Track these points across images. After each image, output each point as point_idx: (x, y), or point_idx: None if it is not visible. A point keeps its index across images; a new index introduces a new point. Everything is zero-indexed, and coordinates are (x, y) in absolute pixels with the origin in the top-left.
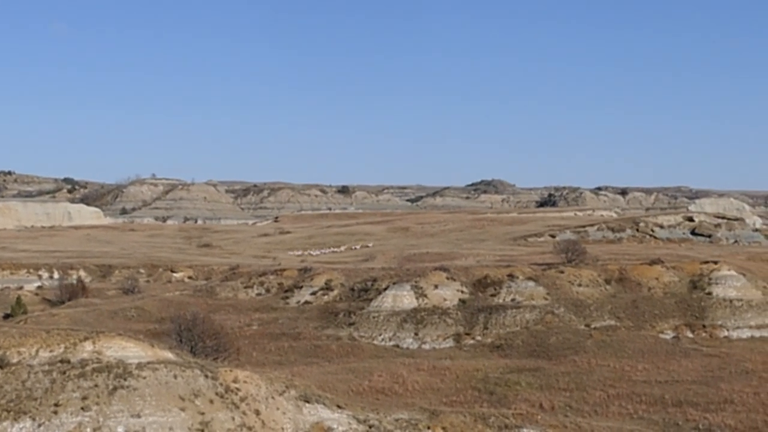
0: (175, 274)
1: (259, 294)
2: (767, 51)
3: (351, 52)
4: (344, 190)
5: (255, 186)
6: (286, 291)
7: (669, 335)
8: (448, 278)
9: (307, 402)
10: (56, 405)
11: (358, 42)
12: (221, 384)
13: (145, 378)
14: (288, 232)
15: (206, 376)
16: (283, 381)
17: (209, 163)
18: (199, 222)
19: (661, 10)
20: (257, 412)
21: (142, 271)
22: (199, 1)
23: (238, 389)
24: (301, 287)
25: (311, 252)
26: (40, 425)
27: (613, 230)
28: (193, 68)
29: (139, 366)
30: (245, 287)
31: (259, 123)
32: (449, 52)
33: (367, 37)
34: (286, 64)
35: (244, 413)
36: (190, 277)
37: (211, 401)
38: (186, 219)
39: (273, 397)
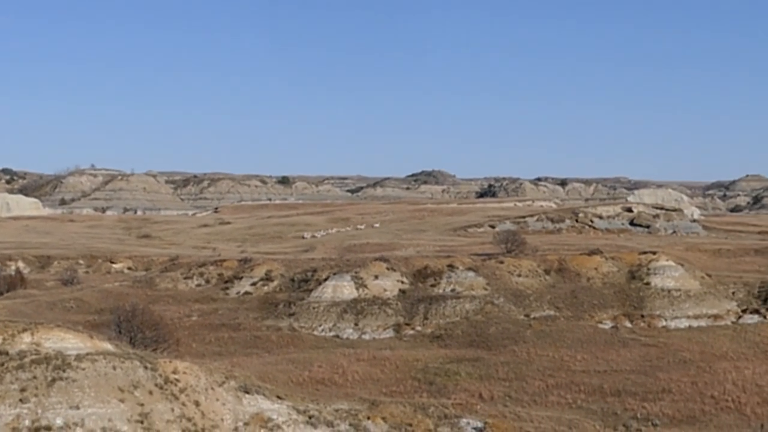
0: (114, 265)
1: (198, 285)
2: (704, 43)
3: (292, 41)
4: (284, 181)
5: (195, 176)
6: (226, 282)
7: (608, 325)
8: (388, 269)
9: (247, 393)
10: None
11: (298, 31)
12: (160, 375)
13: (84, 369)
14: (228, 223)
15: (145, 368)
16: (222, 372)
17: (149, 154)
18: (139, 213)
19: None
20: (197, 403)
21: (81, 262)
22: None
23: (177, 380)
24: (241, 278)
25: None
26: None
27: (552, 221)
28: (131, 58)
29: (78, 357)
30: (185, 278)
31: (198, 113)
32: (389, 44)
33: (307, 27)
34: (224, 53)
35: (183, 404)
36: (129, 268)
37: (151, 392)
38: (125, 210)
39: (212, 388)
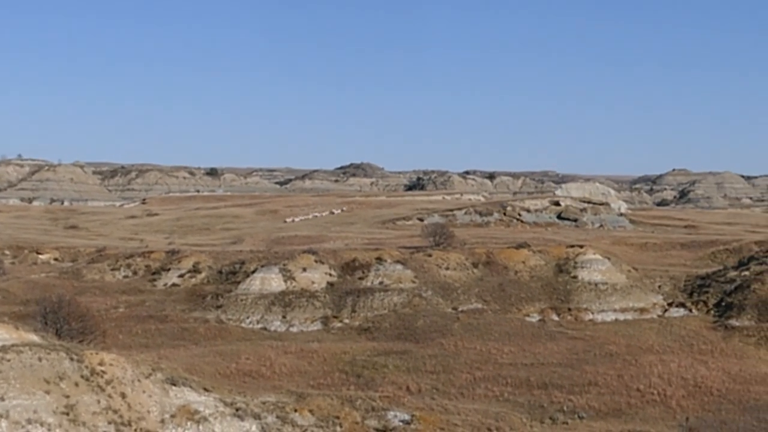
0: (40, 256)
1: (126, 276)
2: (632, 40)
3: (221, 32)
4: (213, 173)
5: (123, 167)
6: (153, 273)
7: (535, 318)
8: (316, 261)
9: (174, 385)
10: None
11: (225, 23)
12: (87, 367)
13: (9, 361)
14: (156, 214)
15: (72, 359)
16: (149, 364)
17: (76, 144)
18: (66, 203)
19: None
20: (123, 395)
21: (7, 252)
22: None
23: (104, 372)
24: (169, 270)
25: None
26: None
27: (480, 214)
28: (57, 47)
29: (3, 349)
30: (112, 269)
31: (126, 103)
32: (320, 38)
33: (234, 19)
34: (153, 43)
35: (110, 396)
36: (56, 259)
37: (77, 384)
38: (52, 200)
39: (139, 380)
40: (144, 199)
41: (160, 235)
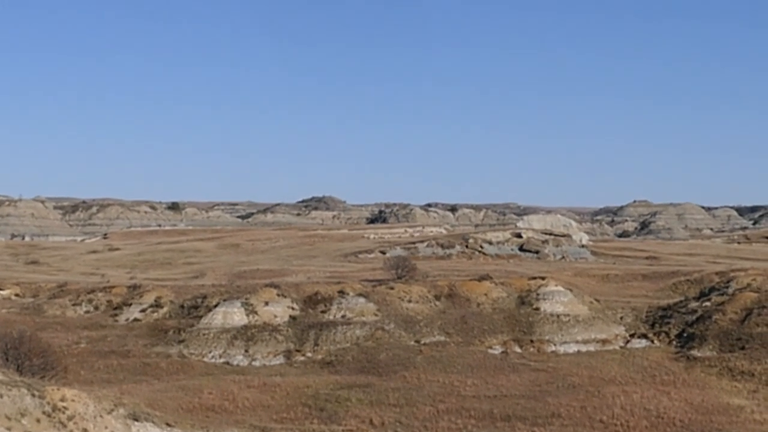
0: (1, 292)
1: (87, 312)
2: (590, 70)
3: (182, 67)
4: (174, 207)
5: (84, 202)
6: (114, 308)
7: (497, 350)
8: (278, 295)
9: (136, 420)
10: None
11: (189, 57)
12: (48, 403)
13: None
14: (117, 249)
15: (33, 395)
16: (111, 399)
17: (37, 179)
18: (27, 239)
19: (468, 24)
20: (85, 431)
21: None
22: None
23: (65, 408)
24: (130, 304)
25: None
26: None
27: (442, 246)
28: (14, 81)
29: None
30: (73, 305)
31: (87, 138)
32: (279, 72)
33: (198, 54)
34: (111, 77)
35: None
36: (17, 295)
37: (38, 420)
38: (13, 236)
39: (101, 416)
40: (105, 234)
41: (122, 269)
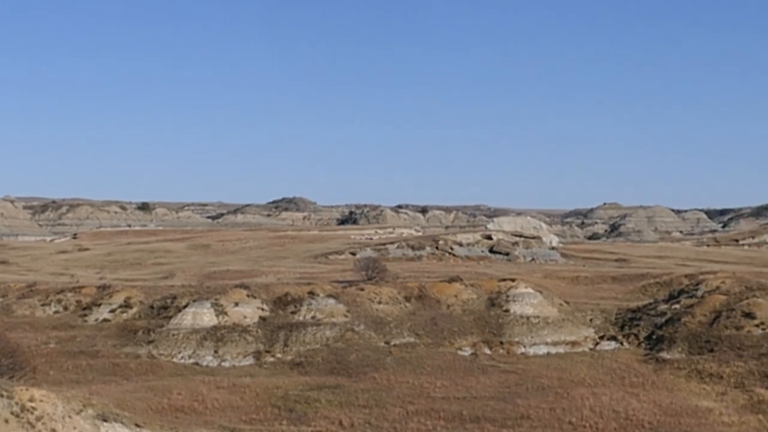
0: None
1: (56, 312)
2: (564, 74)
3: (154, 66)
4: (144, 207)
5: (54, 202)
6: (84, 309)
7: (467, 352)
8: (248, 296)
9: (105, 421)
10: None
11: (161, 55)
12: (17, 403)
13: None
14: (87, 249)
15: (1, 395)
16: (80, 400)
17: (6, 179)
18: None
19: (443, 27)
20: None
21: None
22: None
23: (34, 408)
24: (100, 305)
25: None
26: None
27: (413, 248)
28: None
29: None
30: (42, 305)
31: (57, 137)
32: (250, 72)
33: (171, 51)
34: (81, 76)
35: None
36: None
37: (6, 420)
38: None
39: (70, 416)
40: (75, 234)
41: (92, 270)
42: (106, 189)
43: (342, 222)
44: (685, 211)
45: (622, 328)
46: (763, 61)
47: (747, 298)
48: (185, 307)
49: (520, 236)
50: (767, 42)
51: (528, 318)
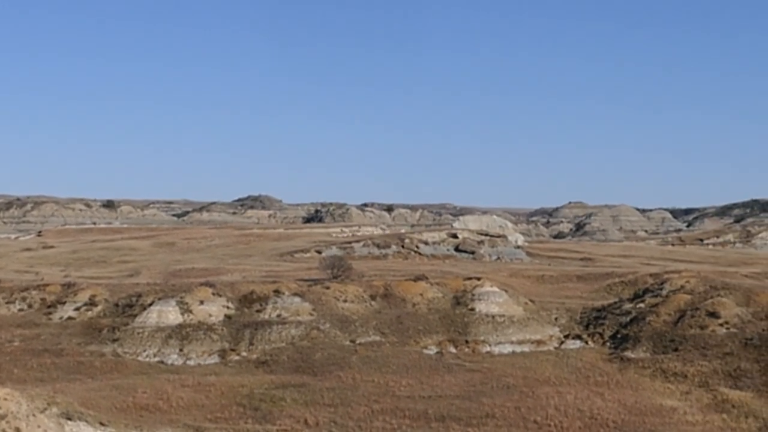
0: None
1: (21, 309)
2: (530, 72)
3: (121, 63)
4: (109, 205)
5: (18, 199)
6: (48, 307)
7: (433, 351)
8: (213, 294)
9: (70, 419)
10: None
11: (127, 53)
12: None
13: None
14: (51, 247)
15: None
16: (44, 398)
17: None
18: None
19: (409, 28)
20: (17, 430)
21: None
22: None
23: None
24: (65, 303)
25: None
26: None
27: (378, 246)
28: None
29: None
30: (6, 303)
31: (22, 135)
32: (218, 68)
33: (137, 49)
34: (46, 73)
35: (3, 431)
36: None
37: None
38: None
39: (34, 415)
40: (40, 232)
41: (56, 267)
42: (71, 186)
43: (308, 220)
44: (650, 210)
45: (587, 327)
46: (728, 61)
47: (711, 297)
48: (150, 305)
49: (486, 235)
50: (733, 42)
51: (493, 317)
